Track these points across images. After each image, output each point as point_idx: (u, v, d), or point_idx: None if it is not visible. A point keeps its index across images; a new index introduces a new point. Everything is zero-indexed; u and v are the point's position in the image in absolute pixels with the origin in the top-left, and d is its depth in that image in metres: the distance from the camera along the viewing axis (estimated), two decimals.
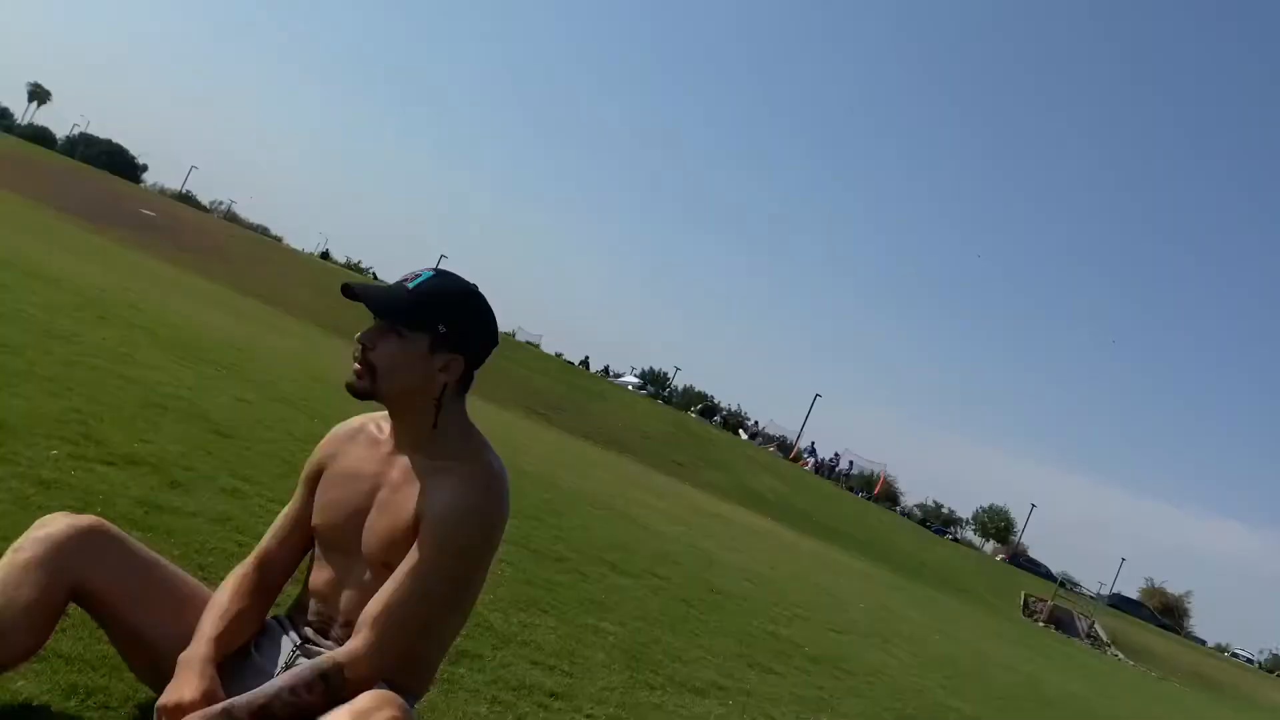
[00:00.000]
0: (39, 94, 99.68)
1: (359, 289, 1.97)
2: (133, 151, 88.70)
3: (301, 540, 2.13)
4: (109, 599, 1.91)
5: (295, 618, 2.10)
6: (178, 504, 3.67)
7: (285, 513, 2.16)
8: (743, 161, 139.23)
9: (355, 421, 2.17)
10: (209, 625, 1.92)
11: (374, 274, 63.85)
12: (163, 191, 76.27)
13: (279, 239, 70.21)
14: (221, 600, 1.98)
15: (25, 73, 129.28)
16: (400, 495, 1.99)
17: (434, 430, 2.00)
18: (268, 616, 2.14)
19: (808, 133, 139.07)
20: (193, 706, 1.76)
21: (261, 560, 2.09)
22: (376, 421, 2.13)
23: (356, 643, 1.87)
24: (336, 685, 1.80)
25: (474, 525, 1.96)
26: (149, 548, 2.08)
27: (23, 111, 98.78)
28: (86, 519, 1.95)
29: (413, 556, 1.92)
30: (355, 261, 74.29)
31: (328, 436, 2.18)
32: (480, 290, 2.05)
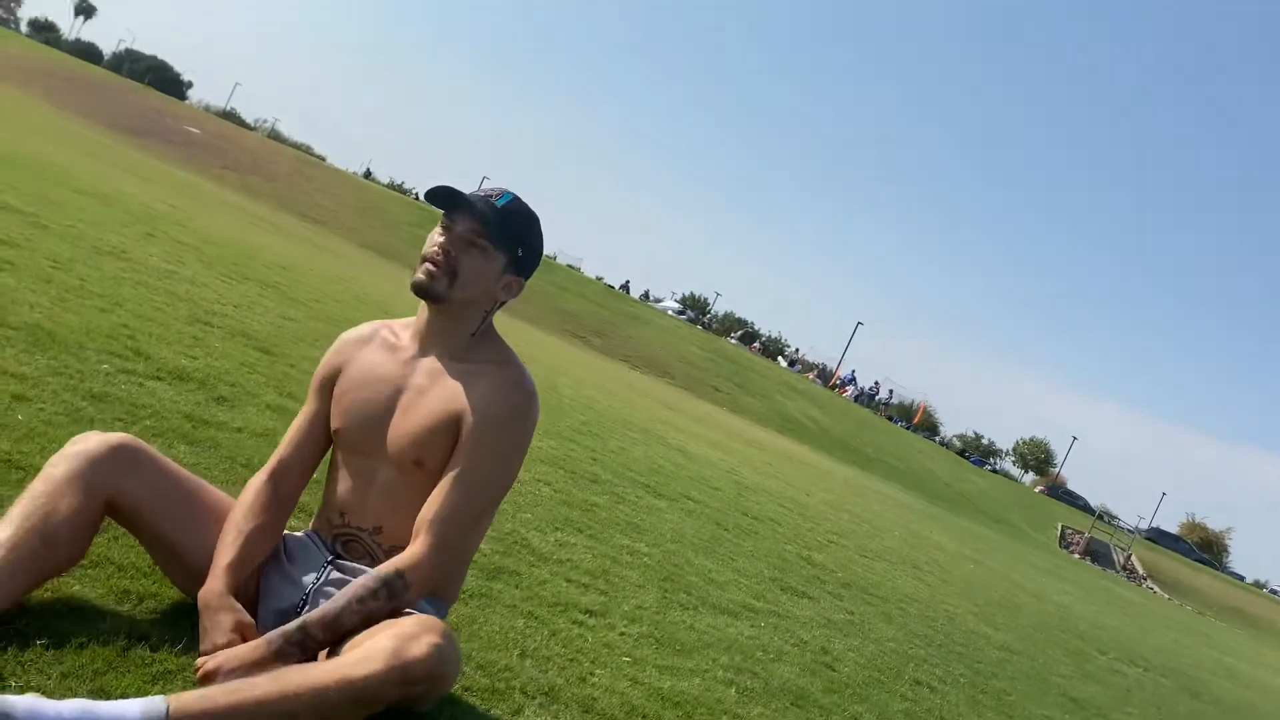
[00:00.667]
0: (85, 8, 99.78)
1: (459, 194, 2.01)
2: (177, 68, 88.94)
3: (315, 446, 2.19)
4: (142, 512, 1.99)
5: (321, 530, 2.17)
6: (224, 419, 3.75)
7: (298, 420, 2.22)
8: (791, 85, 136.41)
9: (366, 328, 2.23)
10: (224, 553, 1.98)
11: (416, 195, 63.88)
12: (208, 109, 76.44)
13: (322, 158, 70.27)
14: (236, 519, 2.04)
15: None
16: (428, 396, 2.06)
17: (471, 338, 2.08)
18: (300, 533, 2.21)
19: (853, 64, 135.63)
20: (230, 646, 1.84)
21: (276, 470, 2.15)
22: (390, 327, 2.20)
23: (417, 547, 1.96)
24: (399, 589, 1.90)
25: (518, 426, 2.08)
26: (190, 462, 2.15)
27: (69, 26, 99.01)
28: (118, 436, 2.01)
29: (462, 457, 2.01)
30: (399, 183, 74.31)
31: (338, 342, 2.23)
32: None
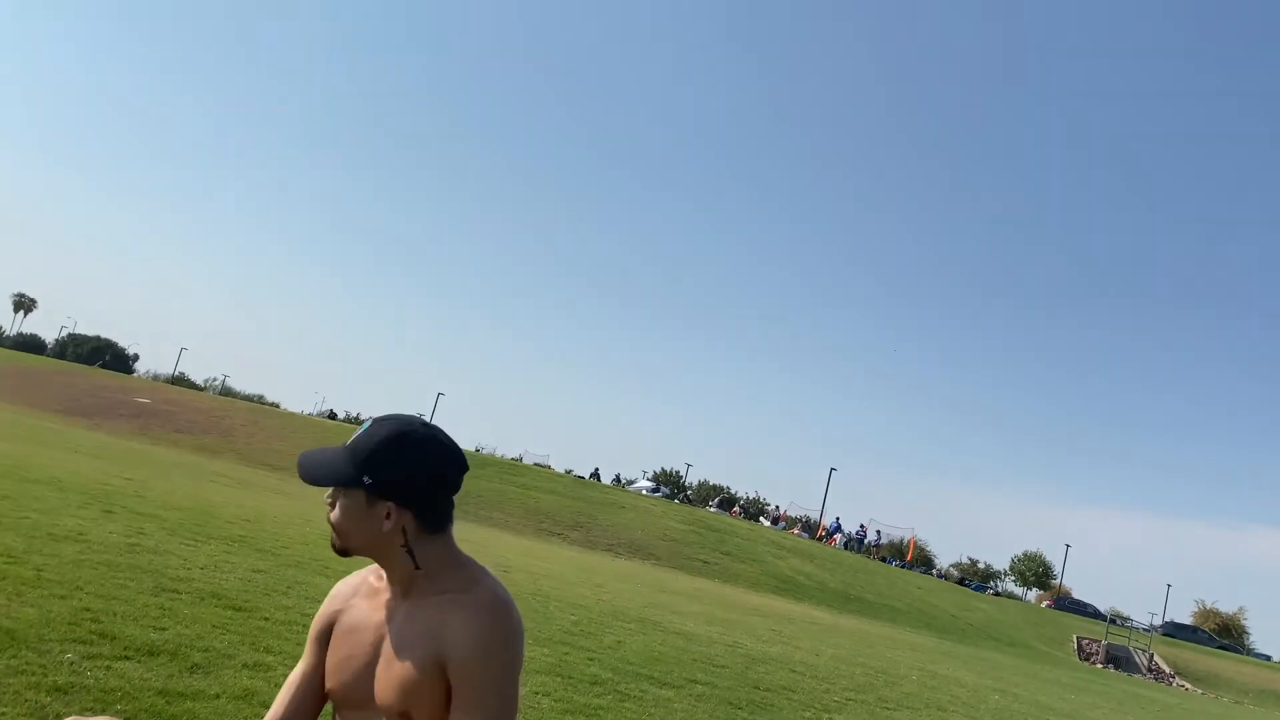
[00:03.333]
0: (24, 303, 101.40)
1: (300, 460, 2.00)
2: (123, 344, 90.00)
3: (314, 701, 2.09)
4: None
5: None
6: (199, 687, 3.60)
7: (294, 675, 2.12)
8: (724, 236, 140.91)
9: (356, 576, 2.17)
10: None
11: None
12: (155, 378, 76.91)
13: (276, 405, 70.50)
14: None
15: (8, 285, 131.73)
16: (406, 642, 1.98)
17: (419, 572, 2.01)
18: None
19: (788, 203, 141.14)
20: None
21: None
22: (376, 572, 2.13)
23: None
24: None
25: (502, 650, 1.96)
26: None
27: (10, 322, 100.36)
28: None
29: (460, 705, 1.90)
30: (355, 414, 74.49)
31: (331, 593, 2.17)
32: (419, 424, 2.02)
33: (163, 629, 4.41)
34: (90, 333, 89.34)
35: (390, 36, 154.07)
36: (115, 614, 4.46)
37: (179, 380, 78.04)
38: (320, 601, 2.20)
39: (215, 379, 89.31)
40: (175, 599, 5.25)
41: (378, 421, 2.03)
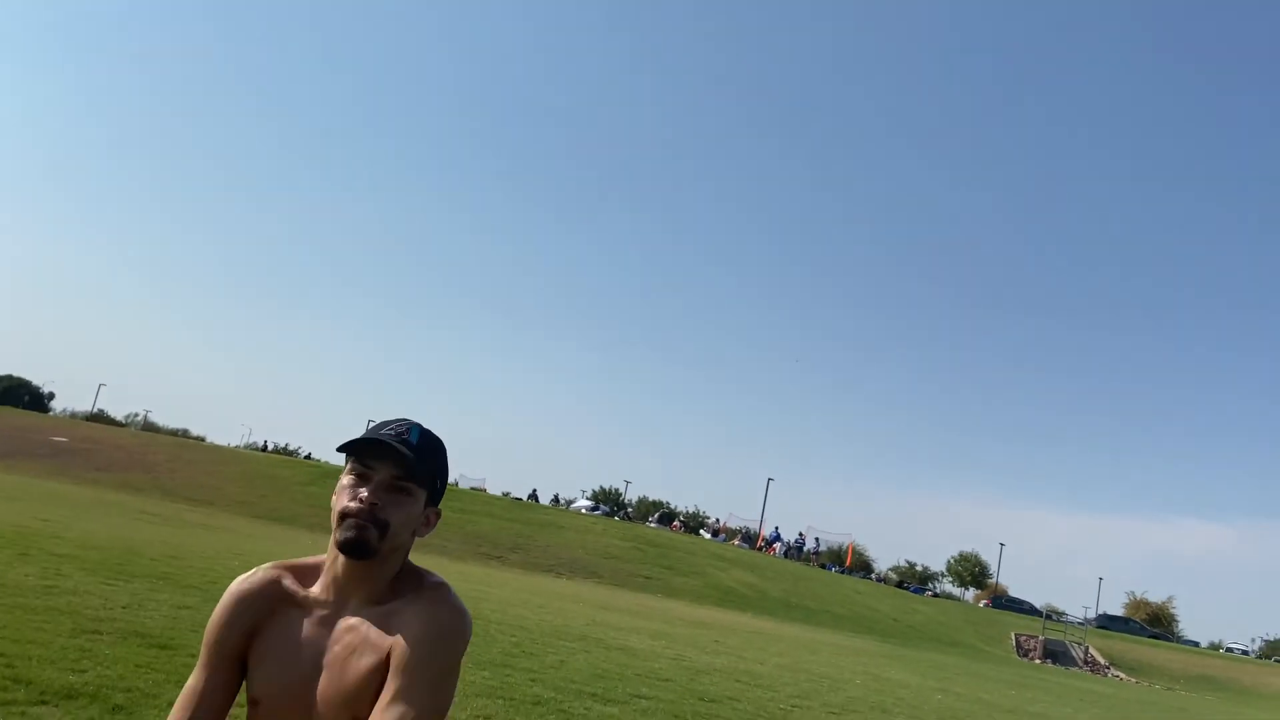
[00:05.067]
0: None
1: (379, 442, 1.88)
2: (37, 382, 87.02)
3: (220, 714, 1.95)
4: None
5: None
6: None
7: (194, 687, 1.89)
8: (645, 251, 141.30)
9: (259, 576, 2.03)
10: None
11: (309, 455, 62.97)
12: (73, 415, 74.48)
13: (201, 438, 68.77)
14: None
15: None
16: (354, 652, 1.89)
17: (392, 580, 1.94)
18: None
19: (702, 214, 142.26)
20: None
21: None
22: (291, 574, 2.02)
23: None
24: None
25: (449, 644, 1.88)
26: None
27: None
28: None
29: (397, 685, 1.80)
30: (284, 445, 72.99)
31: (237, 596, 2.01)
32: None
33: (82, 671, 4.22)
34: (2, 372, 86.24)
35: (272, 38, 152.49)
36: (30, 658, 4.25)
37: (98, 417, 75.66)
38: None
39: (137, 414, 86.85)
40: (95, 640, 5.04)
41: (421, 426, 1.98)
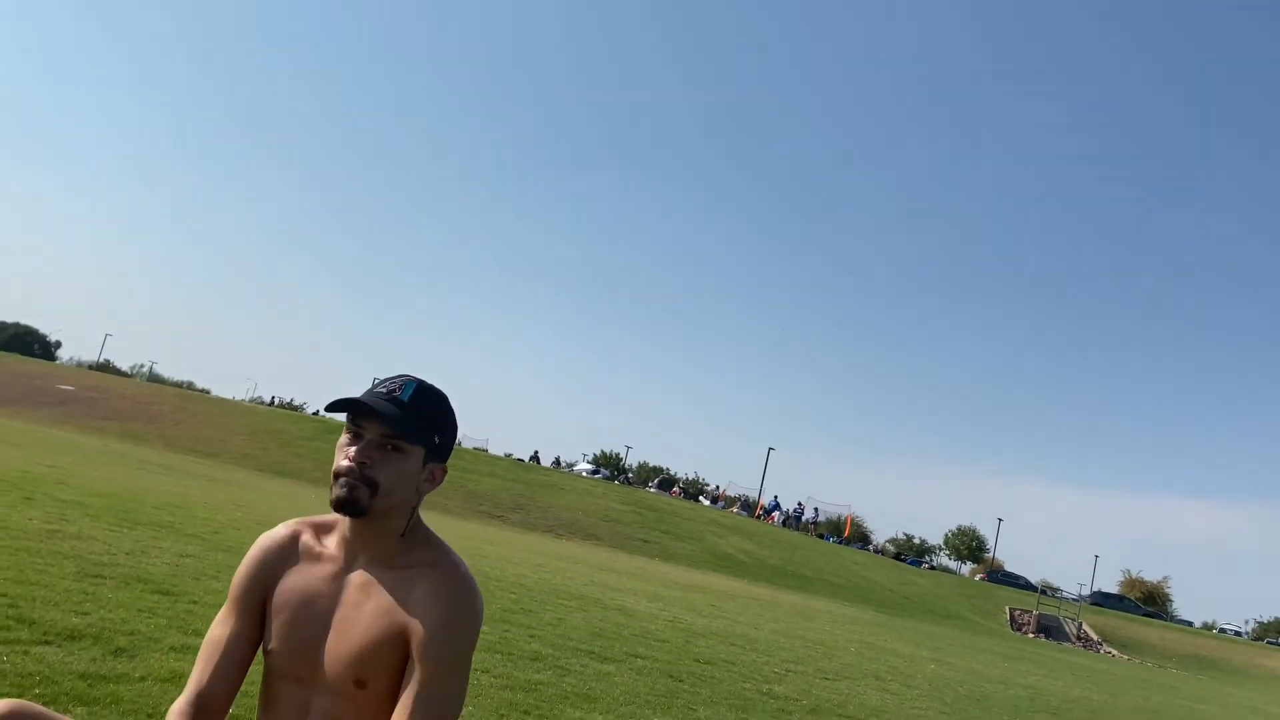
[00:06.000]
0: None
1: (358, 402, 1.89)
2: (44, 330, 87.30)
3: (240, 667, 1.95)
4: None
5: None
6: (124, 670, 3.47)
7: (216, 638, 1.96)
8: (644, 217, 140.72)
9: (284, 530, 2.05)
10: None
11: (313, 410, 63.03)
12: (79, 364, 74.73)
13: (206, 391, 68.98)
14: None
15: None
16: (365, 612, 1.91)
17: (400, 539, 1.94)
18: None
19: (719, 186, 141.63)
20: None
21: (198, 702, 1.88)
22: (312, 530, 2.03)
23: None
24: None
25: (467, 630, 1.92)
26: None
27: None
28: (5, 703, 1.80)
29: (418, 676, 1.86)
30: (288, 400, 73.21)
31: (260, 549, 2.04)
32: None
33: (85, 614, 4.26)
34: (9, 319, 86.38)
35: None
36: (34, 599, 4.30)
37: (104, 367, 75.94)
38: None
39: (142, 365, 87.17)
40: (98, 584, 5.09)
41: (421, 382, 1.97)
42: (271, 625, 1.94)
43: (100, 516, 8.08)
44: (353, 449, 1.88)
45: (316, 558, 1.98)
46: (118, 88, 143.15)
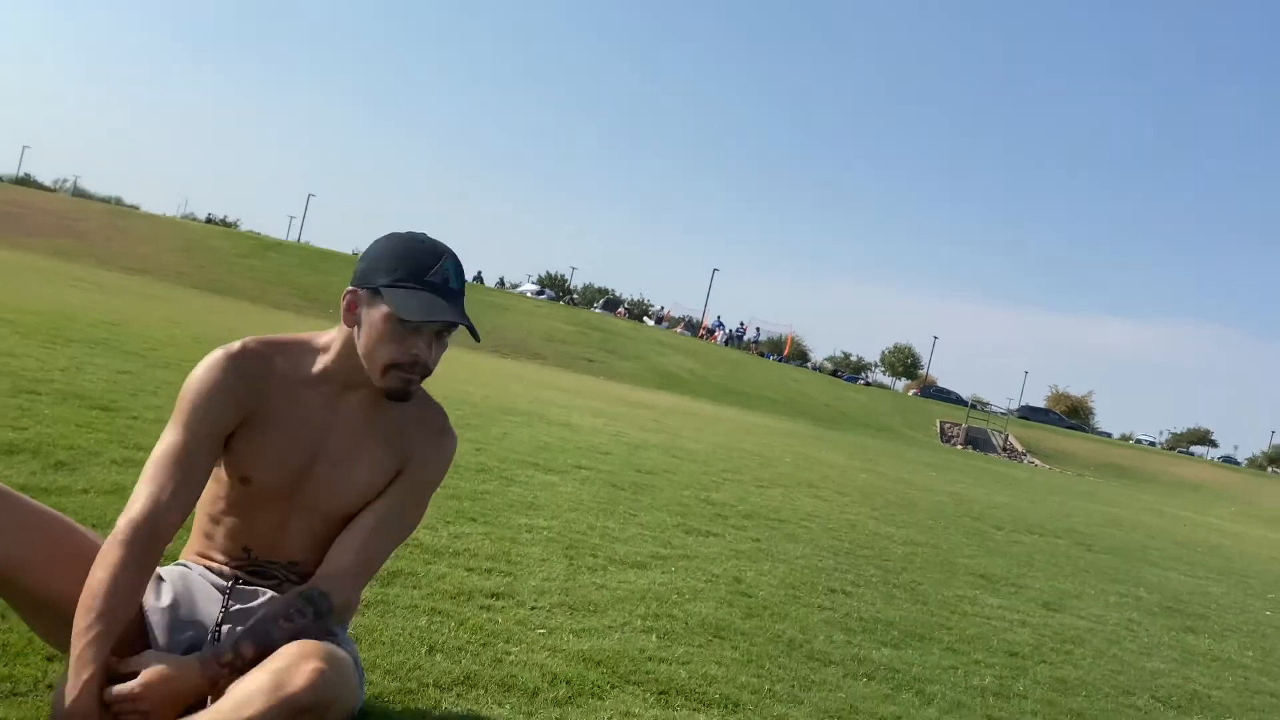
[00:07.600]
0: None
1: (469, 324, 1.86)
2: None
3: (198, 482, 1.87)
4: (4, 564, 1.70)
5: (209, 562, 1.96)
6: (65, 483, 3.48)
7: (168, 450, 1.85)
8: (603, 47, 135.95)
9: (254, 351, 1.92)
10: (97, 643, 1.63)
11: (238, 224, 61.56)
12: None
13: (135, 207, 66.75)
14: (109, 585, 1.68)
15: None
16: (362, 449, 1.96)
17: None
18: (176, 565, 1.98)
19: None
20: None
21: (152, 515, 1.77)
22: (283, 355, 1.95)
23: (340, 575, 1.88)
24: (325, 609, 1.82)
25: (443, 468, 2.08)
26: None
27: None
28: None
29: (395, 503, 1.97)
30: (223, 217, 71.24)
31: (230, 370, 1.89)
32: None
33: (22, 429, 4.22)
34: None
35: None
36: None
37: (24, 181, 72.82)
38: None
39: (66, 180, 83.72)
40: (35, 399, 5.02)
41: (456, 260, 1.91)
42: (248, 453, 1.90)
43: (31, 334, 7.92)
44: (416, 348, 1.84)
45: (302, 383, 1.93)
46: None
